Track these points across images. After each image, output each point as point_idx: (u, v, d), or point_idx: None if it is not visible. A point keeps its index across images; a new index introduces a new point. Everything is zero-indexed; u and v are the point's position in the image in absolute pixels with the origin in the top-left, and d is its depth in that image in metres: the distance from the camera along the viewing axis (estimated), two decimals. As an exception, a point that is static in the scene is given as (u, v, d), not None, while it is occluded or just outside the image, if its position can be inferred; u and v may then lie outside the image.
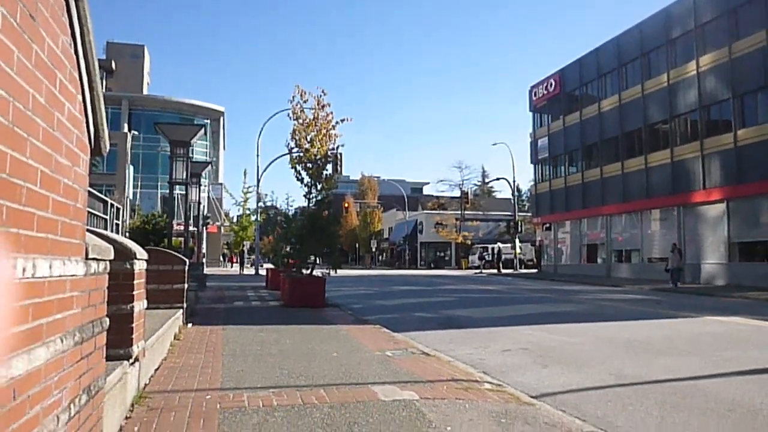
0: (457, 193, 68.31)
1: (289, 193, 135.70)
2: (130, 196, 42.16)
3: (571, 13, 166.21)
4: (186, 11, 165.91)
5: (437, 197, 79.84)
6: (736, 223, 27.03)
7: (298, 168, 16.27)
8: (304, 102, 16.40)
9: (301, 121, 16.39)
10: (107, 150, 3.21)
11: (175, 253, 9.88)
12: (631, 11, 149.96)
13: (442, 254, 67.37)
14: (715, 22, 28.35)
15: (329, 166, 16.73)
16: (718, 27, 28.09)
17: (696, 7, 29.36)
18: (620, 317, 13.65)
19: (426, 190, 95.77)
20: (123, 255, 4.32)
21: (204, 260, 33.67)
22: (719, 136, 27.80)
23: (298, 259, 15.54)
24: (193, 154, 17.11)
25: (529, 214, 54.58)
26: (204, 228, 37.46)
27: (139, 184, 54.36)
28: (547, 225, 43.38)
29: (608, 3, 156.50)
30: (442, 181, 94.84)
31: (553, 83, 42.39)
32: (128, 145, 47.92)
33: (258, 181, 38.74)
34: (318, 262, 15.98)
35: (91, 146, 3.04)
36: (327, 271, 15.40)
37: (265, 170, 39.53)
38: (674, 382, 6.57)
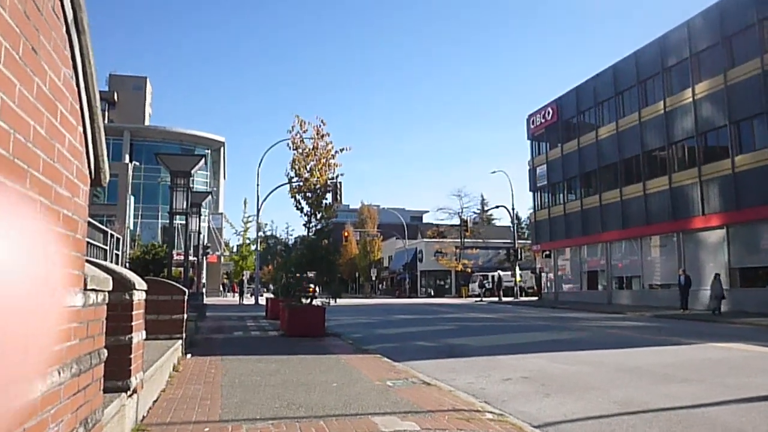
0: (456, 221, 68.42)
1: (289, 222, 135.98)
2: (131, 227, 42.24)
3: (568, 41, 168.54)
4: (188, 43, 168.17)
5: (437, 225, 79.83)
6: (736, 249, 27.01)
7: (298, 197, 16.33)
8: (304, 132, 16.56)
9: (300, 150, 16.50)
10: (107, 181, 3.23)
11: (175, 284, 9.85)
12: (627, 40, 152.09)
13: (442, 282, 67.15)
14: (710, 50, 28.73)
15: (329, 195, 16.82)
16: (713, 55, 28.45)
17: (691, 35, 29.78)
18: (622, 344, 13.56)
19: (425, 219, 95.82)
20: (122, 286, 4.32)
21: (204, 290, 33.59)
22: (717, 163, 27.96)
23: (304, 288, 15.47)
24: (193, 184, 17.17)
25: (529, 241, 54.56)
26: (204, 258, 37.43)
27: (140, 214, 54.45)
28: (547, 252, 43.32)
29: (605, 32, 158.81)
30: (441, 209, 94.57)
31: (551, 111, 42.75)
32: (129, 176, 48.15)
33: (258, 210, 38.89)
34: (318, 291, 15.93)
35: (91, 177, 3.06)
36: (327, 301, 15.33)
37: (265, 200, 39.68)
38: (678, 410, 6.50)
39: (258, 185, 39.29)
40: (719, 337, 15.14)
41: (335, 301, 15.75)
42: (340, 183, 23.79)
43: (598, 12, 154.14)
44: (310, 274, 15.80)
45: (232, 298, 52.30)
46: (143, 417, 5.35)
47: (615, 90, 35.58)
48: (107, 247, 9.00)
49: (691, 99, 29.51)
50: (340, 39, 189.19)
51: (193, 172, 13.66)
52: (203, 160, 14.27)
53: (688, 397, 7.20)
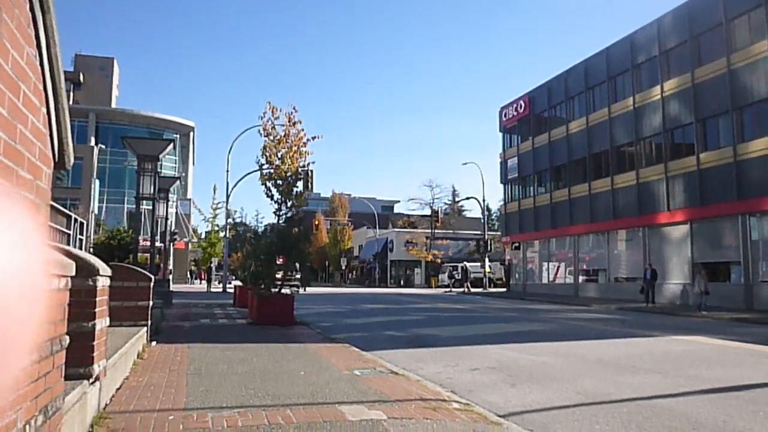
0: (427, 211, 68.77)
1: (259, 209, 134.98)
2: (95, 211, 41.41)
3: (543, 34, 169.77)
4: (157, 25, 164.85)
5: (408, 216, 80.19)
6: (699, 244, 27.68)
7: (269, 185, 16.18)
8: (276, 119, 16.38)
9: (272, 137, 16.34)
10: (71, 163, 3.15)
11: (140, 270, 9.69)
12: (600, 36, 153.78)
13: (412, 272, 67.47)
14: (679, 48, 29.24)
15: (300, 183, 16.68)
16: (682, 53, 28.97)
17: (660, 33, 30.26)
18: (588, 336, 13.80)
19: (397, 209, 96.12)
20: (85, 271, 4.22)
21: (171, 277, 33.13)
22: (683, 159, 28.55)
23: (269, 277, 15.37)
24: (161, 169, 16.89)
25: (499, 233, 55.08)
26: (171, 244, 36.94)
27: (105, 198, 53.42)
28: (516, 244, 43.82)
29: (580, 26, 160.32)
30: (412, 199, 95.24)
31: (523, 105, 43.10)
32: (94, 159, 47.16)
33: (227, 197, 38.45)
34: (294, 275, 15.84)
35: (54, 159, 2.98)
36: (296, 289, 15.28)
37: (234, 186, 39.31)
38: (640, 400, 6.65)
39: (228, 171, 38.78)
40: (681, 330, 15.53)
41: (305, 290, 15.70)
42: (312, 171, 23.59)
43: (575, 6, 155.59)
44: (279, 262, 15.72)
45: (200, 286, 51.78)
46: (106, 405, 5.27)
47: (586, 85, 36.02)
48: (70, 232, 8.82)
49: (659, 96, 30.03)
50: (315, 28, 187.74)
51: (161, 156, 13.41)
52: (172, 145, 14.00)
53: (650, 388, 7.36)
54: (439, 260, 62.60)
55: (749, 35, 25.43)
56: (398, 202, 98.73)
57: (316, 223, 70.47)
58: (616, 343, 12.59)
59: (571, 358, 9.99)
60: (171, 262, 38.83)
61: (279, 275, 15.34)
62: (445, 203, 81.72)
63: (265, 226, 18.36)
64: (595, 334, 14.41)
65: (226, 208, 39.87)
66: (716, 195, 26.35)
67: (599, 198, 34.33)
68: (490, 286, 47.65)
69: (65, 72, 3.08)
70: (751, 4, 25.27)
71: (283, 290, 15.20)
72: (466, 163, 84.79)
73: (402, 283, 64.95)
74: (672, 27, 29.71)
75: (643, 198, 30.91)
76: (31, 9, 2.56)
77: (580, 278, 36.39)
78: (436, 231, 60.07)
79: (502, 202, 49.75)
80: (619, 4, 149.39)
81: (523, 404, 6.43)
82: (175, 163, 63.48)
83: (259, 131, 16.66)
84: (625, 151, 32.90)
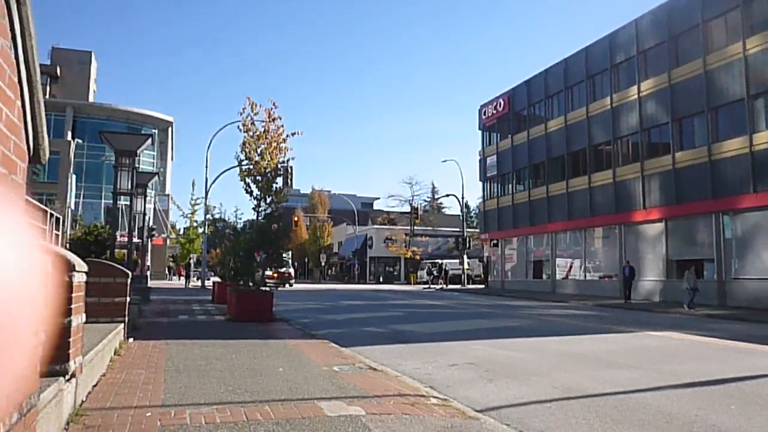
0: (407, 208, 68.98)
1: (238, 205, 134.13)
2: (72, 206, 40.79)
3: (523, 32, 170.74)
4: (136, 19, 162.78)
5: (387, 212, 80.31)
6: (673, 242, 28.13)
7: (248, 180, 16.11)
8: (255, 114, 16.30)
9: (251, 133, 16.25)
10: (47, 158, 3.11)
11: (117, 266, 9.59)
12: (580, 35, 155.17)
13: (392, 269, 67.62)
14: (656, 49, 29.64)
15: (279, 179, 16.62)
16: (659, 53, 29.37)
17: (638, 34, 30.64)
18: (565, 332, 13.96)
19: (376, 205, 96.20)
20: (61, 267, 4.18)
21: (148, 273, 32.81)
22: (659, 158, 28.97)
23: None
24: (139, 164, 16.68)
25: (478, 230, 55.42)
26: (149, 240, 36.54)
27: (82, 194, 52.62)
28: (495, 241, 44.11)
29: (558, 26, 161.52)
30: (392, 196, 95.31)
31: (503, 103, 43.36)
32: (71, 154, 46.42)
33: (206, 192, 38.14)
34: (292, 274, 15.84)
35: (29, 154, 2.94)
36: (283, 284, 15.26)
37: (213, 182, 38.94)
38: (616, 395, 6.75)
39: (207, 167, 38.47)
40: (656, 326, 15.78)
41: (290, 286, 15.69)
42: (291, 167, 23.52)
43: (555, 4, 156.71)
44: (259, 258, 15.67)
45: (178, 282, 51.32)
46: (82, 402, 5.21)
47: (565, 84, 36.35)
48: (46, 227, 8.70)
49: (636, 96, 30.42)
50: (294, 23, 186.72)
51: (139, 151, 13.26)
52: (150, 140, 13.86)
53: (625, 382, 7.48)
54: (418, 257, 62.82)
55: (725, 37, 25.88)
56: (378, 198, 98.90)
57: (296, 219, 70.25)
58: (593, 338, 12.75)
59: (548, 354, 10.11)
60: (149, 258, 38.44)
61: (270, 272, 15.34)
62: (425, 200, 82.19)
63: (245, 222, 18.30)
64: (573, 329, 14.58)
65: (205, 204, 39.57)
66: (691, 194, 26.79)
67: (577, 196, 34.69)
68: (468, 283, 47.93)
69: (42, 65, 3.05)
70: (727, 6, 25.71)
71: (266, 286, 15.15)
72: (445, 161, 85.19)
73: (381, 279, 65.06)
74: (650, 27, 30.10)
75: (619, 196, 31.31)
76: (6, 0, 2.52)
77: (558, 275, 36.76)
78: (415, 228, 60.27)
79: (481, 200, 50.06)
80: (600, 3, 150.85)
81: (500, 399, 6.49)
82: (154, 159, 62.74)
83: (238, 127, 16.58)
84: (603, 150, 33.28)
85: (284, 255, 39.99)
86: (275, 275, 37.31)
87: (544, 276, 38.40)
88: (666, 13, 28.99)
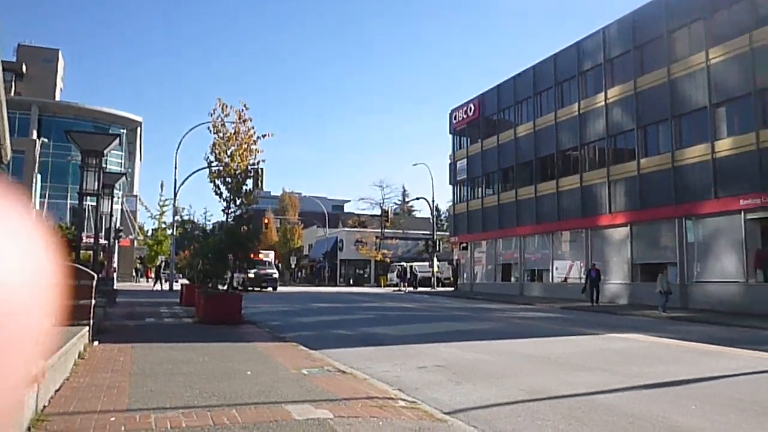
0: (377, 211, 69.10)
1: (208, 207, 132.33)
2: (37, 207, 39.89)
3: (495, 38, 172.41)
4: (105, 18, 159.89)
5: (358, 215, 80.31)
6: (638, 246, 28.70)
7: (217, 182, 15.98)
8: (226, 116, 16.19)
9: (221, 134, 16.13)
10: (9, 157, 3.07)
11: (82, 268, 9.42)
12: (550, 41, 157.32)
13: (362, 272, 67.59)
14: (622, 57, 30.25)
15: (249, 181, 16.52)
16: (625, 62, 29.98)
17: (605, 42, 31.24)
18: (532, 334, 14.14)
19: (347, 208, 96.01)
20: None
21: (115, 275, 32.23)
22: (624, 164, 29.54)
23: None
24: (106, 164, 16.40)
25: (448, 233, 55.74)
26: (116, 242, 35.91)
27: (47, 194, 51.44)
28: (464, 244, 44.44)
29: (529, 32, 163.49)
30: (363, 199, 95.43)
31: (473, 107, 43.74)
32: (36, 153, 45.40)
33: (175, 194, 37.62)
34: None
35: (-8, 154, 2.89)
36: (271, 288, 15.17)
37: (182, 183, 38.38)
38: (581, 396, 6.88)
39: (176, 168, 37.93)
40: (621, 328, 16.07)
41: (274, 290, 15.61)
42: (262, 169, 23.35)
43: (527, 10, 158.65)
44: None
45: (146, 284, 50.53)
46: (44, 406, 5.12)
47: (534, 90, 36.83)
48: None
49: (603, 102, 30.99)
50: (267, 26, 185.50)
51: (106, 151, 13.05)
52: (117, 140, 13.64)
53: (591, 384, 7.62)
54: (388, 259, 62.92)
55: (689, 47, 26.52)
56: (349, 201, 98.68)
57: (266, 221, 69.75)
58: (560, 340, 12.95)
59: (516, 356, 10.24)
60: (115, 259, 37.77)
61: (252, 275, 15.25)
62: (396, 203, 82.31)
63: (214, 224, 18.12)
64: (540, 332, 14.78)
65: (174, 206, 39.03)
66: (655, 199, 27.39)
67: (545, 200, 35.17)
68: (438, 286, 48.17)
69: (6, 62, 3.00)
70: (690, 17, 26.37)
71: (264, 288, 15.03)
72: (416, 164, 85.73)
73: (351, 282, 64.98)
74: (617, 36, 30.71)
75: (586, 201, 31.84)
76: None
77: (526, 278, 37.19)
78: (385, 230, 60.38)
79: (451, 203, 50.36)
80: (572, 10, 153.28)
81: (468, 401, 6.56)
82: (122, 159, 61.73)
83: (208, 128, 16.44)
84: (570, 155, 33.81)
85: (265, 256, 39.50)
86: (258, 278, 36.75)
87: (513, 279, 38.80)
88: (632, 23, 29.61)
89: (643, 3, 29.12)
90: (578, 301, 27.50)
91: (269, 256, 43.05)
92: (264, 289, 36.13)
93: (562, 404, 6.47)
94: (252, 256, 15.96)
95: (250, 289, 34.47)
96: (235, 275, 18.37)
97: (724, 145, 24.35)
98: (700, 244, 25.59)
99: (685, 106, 26.37)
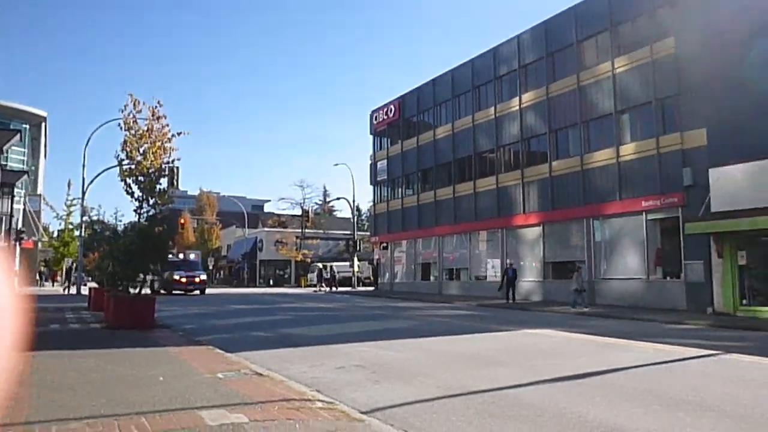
0: (298, 211, 68.50)
1: (119, 207, 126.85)
2: (-75, 206, 36.87)
3: (415, 42, 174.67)
4: (4, 4, 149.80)
5: (278, 215, 79.29)
6: (549, 245, 29.90)
7: (129, 181, 15.37)
8: (138, 112, 15.60)
9: (133, 132, 15.53)
10: None
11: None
12: (466, 48, 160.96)
13: (282, 272, 66.83)
14: (536, 64, 31.44)
15: (164, 180, 16.00)
16: (538, 69, 31.19)
17: (520, 49, 32.36)
18: (449, 332, 14.44)
19: (267, 208, 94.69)
20: None
21: (16, 279, 30.29)
22: (537, 166, 30.72)
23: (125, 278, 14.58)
24: (7, 161, 15.43)
25: (368, 233, 56.05)
26: (18, 243, 33.81)
27: (-62, 192, 47.79)
28: (385, 244, 44.81)
29: (449, 37, 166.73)
30: (283, 199, 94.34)
31: (393, 109, 44.18)
32: (-76, 148, 41.98)
33: (83, 193, 35.75)
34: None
35: None
36: (198, 291, 14.67)
37: (91, 182, 36.51)
38: (495, 391, 7.09)
39: (84, 166, 36.44)
40: (534, 324, 16.70)
41: (202, 293, 15.13)
42: (177, 168, 22.72)
43: (451, 13, 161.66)
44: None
45: (52, 288, 47.89)
46: (-69, 422, 4.75)
47: (453, 93, 37.63)
48: None
49: (518, 107, 32.09)
50: (185, 22, 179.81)
51: (5, 148, 12.28)
52: (18, 136, 12.87)
53: (503, 379, 7.88)
54: (309, 260, 62.52)
55: (596, 56, 27.89)
56: (269, 201, 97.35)
57: (182, 221, 67.66)
58: (476, 337, 13.29)
59: (433, 354, 10.42)
60: (17, 262, 35.56)
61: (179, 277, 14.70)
62: (316, 203, 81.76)
63: (125, 224, 17.39)
64: (457, 329, 15.10)
65: (82, 205, 37.12)
66: (565, 200, 28.66)
67: (463, 201, 36.02)
68: (358, 285, 48.33)
69: None
70: (597, 29, 27.74)
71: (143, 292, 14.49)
72: (337, 164, 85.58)
73: (271, 282, 64.10)
74: (530, 44, 31.88)
75: (502, 201, 32.87)
76: None
77: (444, 277, 37.94)
78: (306, 231, 59.97)
79: (371, 203, 50.64)
80: (495, 14, 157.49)
81: (385, 400, 6.62)
82: (24, 156, 58.10)
83: (119, 125, 15.78)
84: (487, 157, 34.78)
85: (193, 256, 37.75)
86: (184, 280, 34.89)
87: (432, 278, 39.47)
88: (544, 31, 30.83)
89: (555, 12, 30.44)
90: (495, 298, 28.30)
91: (197, 256, 41.72)
92: (190, 293, 34.51)
93: (476, 399, 6.65)
94: (181, 256, 15.48)
95: (174, 292, 33.04)
96: (149, 278, 17.73)
97: (628, 150, 25.76)
98: (606, 243, 26.95)
99: (592, 112, 27.71)
